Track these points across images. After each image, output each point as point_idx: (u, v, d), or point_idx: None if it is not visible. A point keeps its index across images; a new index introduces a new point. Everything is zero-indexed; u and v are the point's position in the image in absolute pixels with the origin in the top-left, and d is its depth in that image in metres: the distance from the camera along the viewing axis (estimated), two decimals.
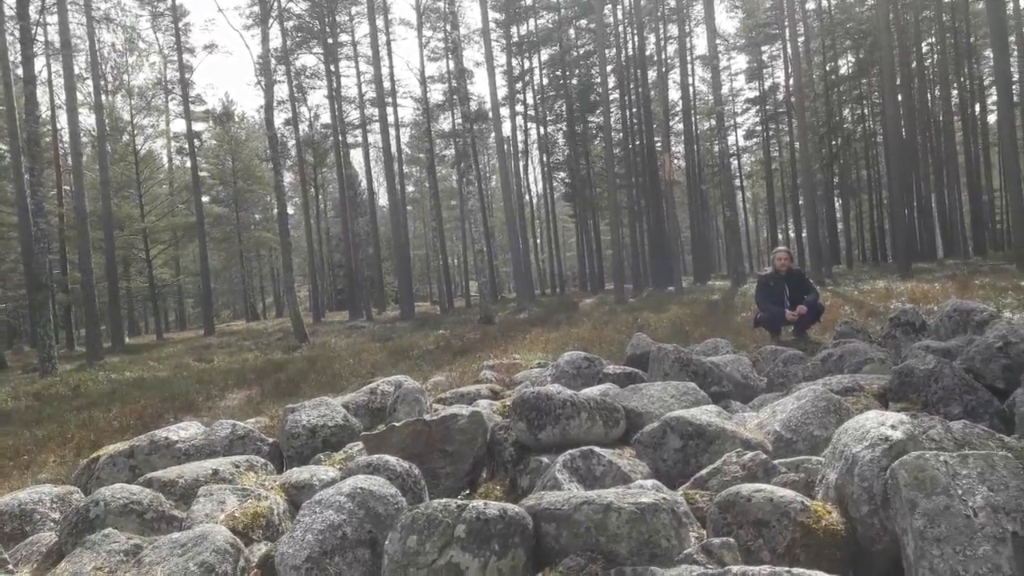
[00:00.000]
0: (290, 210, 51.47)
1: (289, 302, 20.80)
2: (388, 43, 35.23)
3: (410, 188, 53.05)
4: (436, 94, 42.47)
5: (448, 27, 29.95)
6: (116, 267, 28.66)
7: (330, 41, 37.91)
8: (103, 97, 31.28)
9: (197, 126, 41.83)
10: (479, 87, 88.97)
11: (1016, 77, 30.27)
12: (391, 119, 34.27)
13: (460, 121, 28.56)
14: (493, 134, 32.04)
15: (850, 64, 41.65)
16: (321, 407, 5.39)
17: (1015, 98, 27.07)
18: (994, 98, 31.61)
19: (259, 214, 53.19)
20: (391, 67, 34.98)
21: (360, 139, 41.63)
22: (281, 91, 37.67)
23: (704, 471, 3.19)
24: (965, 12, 36.65)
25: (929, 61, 39.05)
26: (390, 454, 3.84)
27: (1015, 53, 29.48)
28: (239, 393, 10.29)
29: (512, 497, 3.79)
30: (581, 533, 2.61)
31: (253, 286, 56.72)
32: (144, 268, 37.63)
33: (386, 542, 2.69)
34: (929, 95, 38.75)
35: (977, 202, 36.54)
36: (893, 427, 2.68)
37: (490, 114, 32.89)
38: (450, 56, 33.59)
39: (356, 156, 51.41)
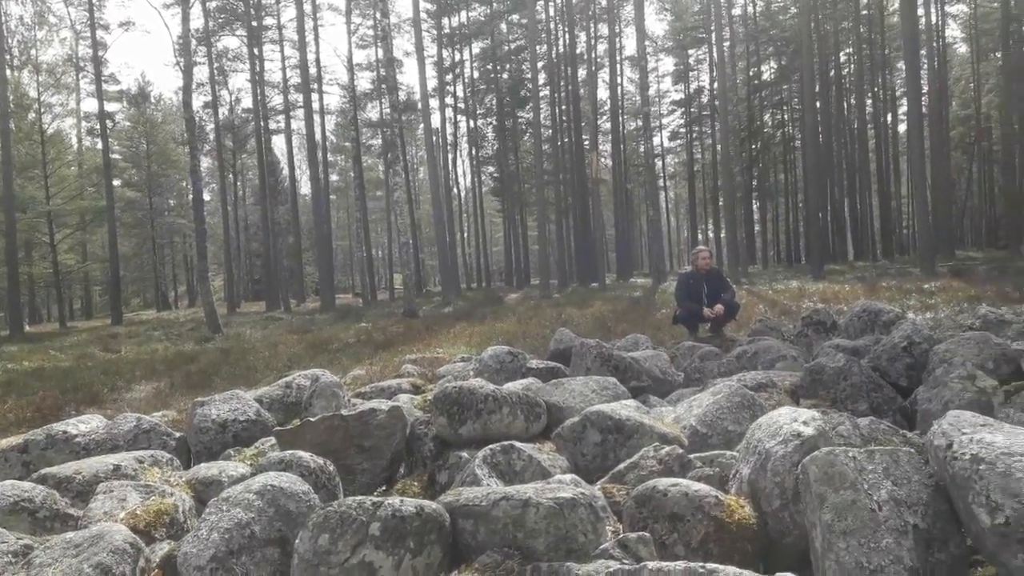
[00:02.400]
0: (207, 196, 49.78)
1: (203, 291, 20.03)
2: (315, 28, 34.41)
3: (334, 177, 51.93)
4: (364, 82, 41.80)
5: (378, 15, 29.41)
6: (16, 251, 27.00)
7: (254, 24, 36.71)
8: (8, 72, 29.36)
9: (110, 106, 39.91)
10: (409, 77, 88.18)
11: (925, 89, 31.93)
12: (316, 106, 33.51)
13: (388, 111, 28.18)
14: (422, 125, 31.64)
15: (772, 70, 43.17)
16: (232, 401, 5.18)
17: (924, 109, 28.55)
18: (905, 108, 33.25)
19: (174, 200, 51.14)
20: (317, 53, 34.10)
21: (283, 125, 40.51)
22: (201, 73, 36.32)
23: (622, 465, 3.20)
24: (881, 25, 38.48)
25: (846, 71, 40.84)
26: (304, 450, 3.71)
27: (925, 66, 31.14)
28: (147, 385, 9.86)
29: (430, 493, 3.74)
30: (499, 529, 2.58)
31: (165, 274, 54.56)
32: (48, 253, 35.55)
33: (296, 541, 2.59)
34: (845, 103, 40.55)
35: (886, 208, 38.50)
36: (805, 423, 2.74)
37: (419, 105, 32.57)
38: (379, 44, 32.99)
39: (278, 142, 50.12)
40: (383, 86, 34.00)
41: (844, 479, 2.31)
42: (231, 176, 42.25)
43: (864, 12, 38.27)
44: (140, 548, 2.80)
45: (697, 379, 5.69)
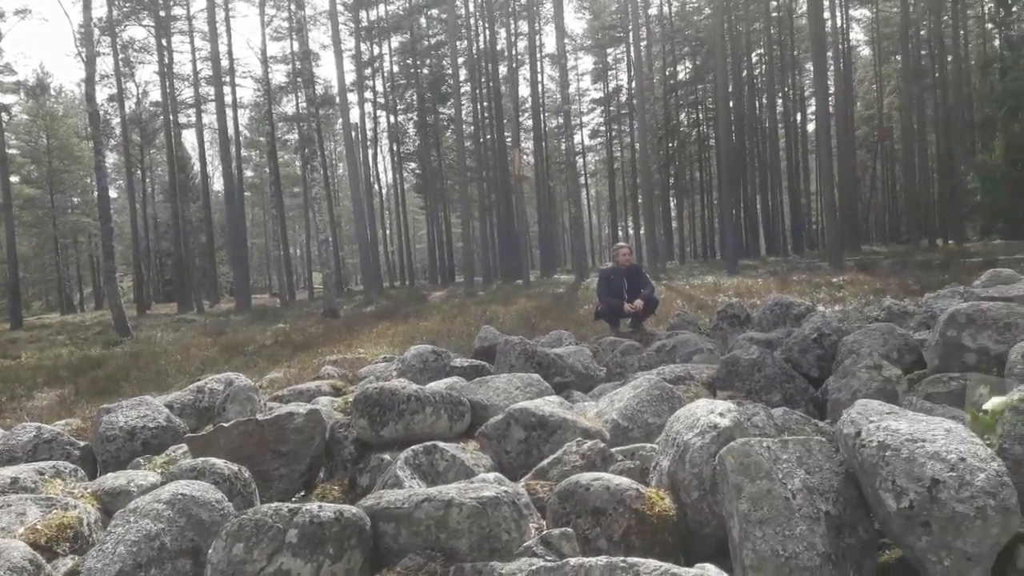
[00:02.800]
0: (113, 193, 47.54)
1: (110, 293, 19.10)
2: (227, 19, 33.25)
3: (249, 173, 50.18)
4: (279, 75, 40.79)
5: (293, 6, 28.71)
6: None
7: (162, 13, 35.19)
8: None
9: (6, 98, 37.63)
10: (326, 70, 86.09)
11: (832, 90, 33.40)
12: (229, 99, 32.50)
13: (305, 105, 27.49)
14: (340, 120, 31.06)
15: (688, 70, 44.34)
16: (141, 407, 4.96)
17: (830, 109, 29.85)
18: (813, 108, 34.71)
19: (78, 197, 48.59)
20: (230, 44, 33.00)
21: (194, 119, 39.00)
22: (105, 64, 34.57)
23: (545, 461, 3.21)
24: (790, 27, 40.05)
25: (758, 71, 42.33)
26: (218, 456, 3.57)
27: (832, 67, 32.60)
28: (50, 393, 9.34)
29: (351, 497, 3.68)
30: (421, 531, 2.55)
31: (69, 275, 51.75)
32: None
33: (210, 551, 2.49)
34: (757, 103, 42.05)
35: (797, 204, 40.19)
36: (721, 415, 2.80)
37: (337, 99, 31.98)
38: (295, 37, 32.19)
39: (189, 137, 48.33)
40: (299, 79, 33.17)
41: (759, 469, 2.37)
42: (139, 172, 40.43)
43: (774, 14, 39.77)
44: (40, 565, 2.69)
45: (618, 373, 5.77)
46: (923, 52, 35.38)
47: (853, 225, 31.11)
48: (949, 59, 34.20)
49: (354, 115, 38.28)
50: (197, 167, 43.00)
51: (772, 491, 2.32)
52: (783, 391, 4.43)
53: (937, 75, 34.66)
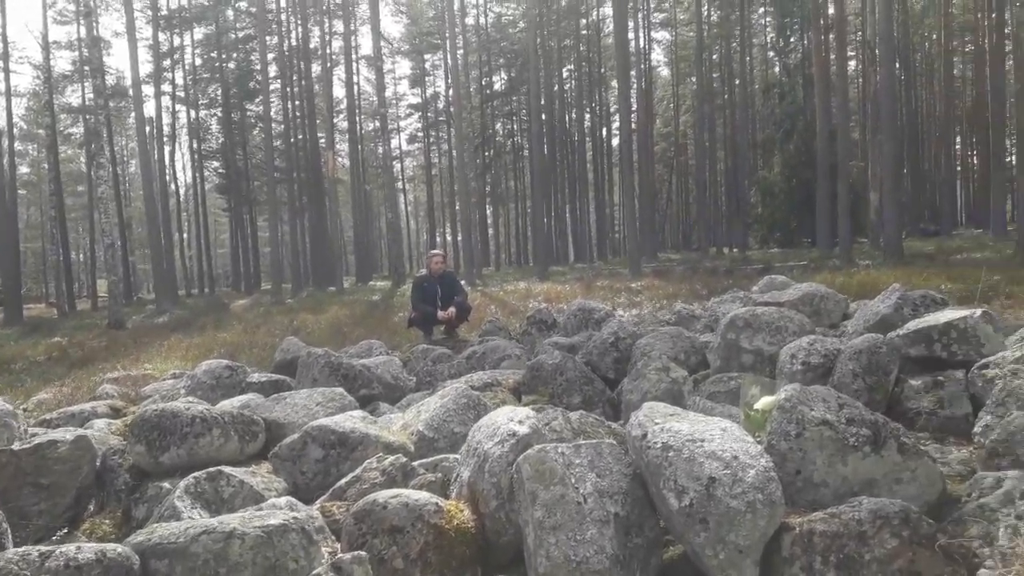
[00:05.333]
0: None
1: None
2: None
3: (24, 169, 44.39)
4: (63, 63, 36.65)
5: None
6: None
7: None
8: None
9: None
10: (119, 60, 78.56)
11: (635, 107, 35.61)
12: (2, 87, 28.72)
13: (92, 96, 24.88)
14: (134, 113, 28.42)
15: (503, 81, 45.43)
16: None
17: (633, 125, 31.84)
18: (617, 123, 36.86)
19: None
20: (4, 26, 28.99)
21: None
22: None
23: (343, 481, 3.06)
24: (598, 45, 42.31)
25: (569, 86, 44.31)
26: None
27: (635, 86, 34.85)
28: None
29: (126, 531, 3.35)
30: (198, 567, 2.33)
31: None
32: None
33: None
34: (568, 116, 44.02)
35: (602, 214, 42.57)
36: (520, 422, 2.81)
37: (131, 91, 29.23)
38: (82, 22, 29.02)
39: None
40: (86, 68, 30.03)
41: (554, 475, 2.39)
42: None
43: (584, 32, 41.85)
44: None
45: (428, 382, 5.71)
46: (715, 75, 38.92)
47: (651, 234, 33.45)
48: (736, 83, 37.89)
49: (150, 108, 35.40)
50: None
51: (565, 496, 2.35)
52: (583, 393, 4.58)
53: (726, 97, 38.28)
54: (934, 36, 36.17)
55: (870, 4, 24.51)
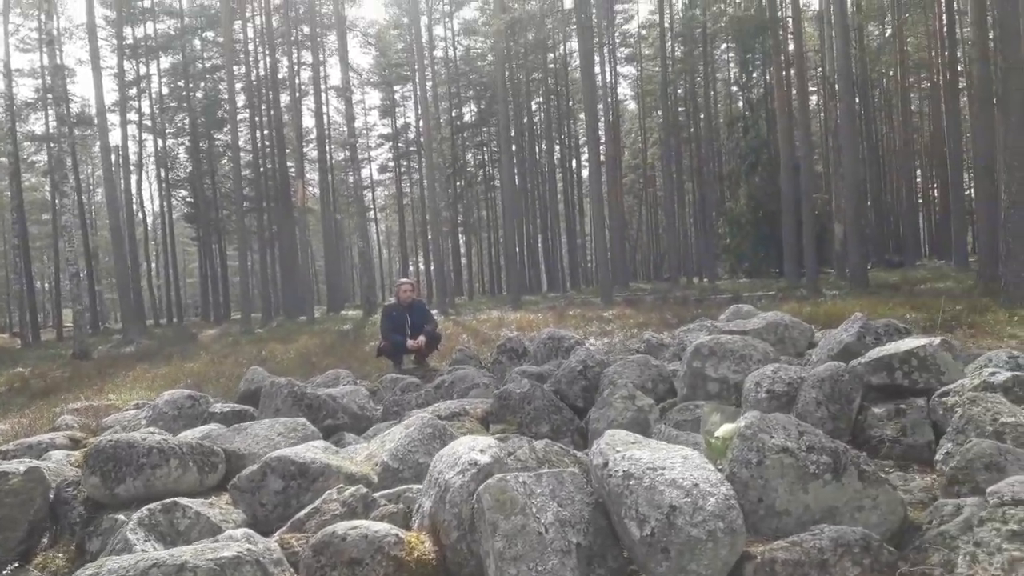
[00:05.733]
0: None
1: None
2: None
3: None
4: (26, 90, 36.18)
5: (43, 16, 25.63)
6: None
7: None
8: None
9: None
10: (84, 88, 78.09)
11: (603, 139, 36.07)
12: None
13: (56, 124, 24.58)
14: (99, 142, 28.07)
15: (473, 113, 45.80)
16: None
17: (601, 157, 32.23)
18: (586, 155, 37.32)
19: None
20: None
21: None
22: None
23: (303, 512, 3.00)
24: (566, 78, 42.93)
25: (538, 118, 44.81)
26: None
27: (602, 118, 35.27)
28: None
29: (79, 564, 3.25)
30: None
31: None
32: None
33: None
34: (537, 148, 44.45)
35: (573, 243, 42.83)
36: (482, 451, 2.78)
37: (96, 119, 28.89)
38: (45, 50, 28.76)
39: None
40: (50, 96, 29.68)
41: (515, 505, 2.37)
42: None
43: (552, 66, 42.43)
44: None
45: (395, 412, 5.63)
46: (680, 109, 39.61)
47: (622, 263, 33.72)
48: (702, 116, 38.60)
49: (116, 137, 34.94)
50: None
51: (526, 527, 2.32)
52: (551, 422, 4.56)
53: (692, 130, 38.96)
54: (891, 72, 37.24)
55: (828, 41, 25.26)
